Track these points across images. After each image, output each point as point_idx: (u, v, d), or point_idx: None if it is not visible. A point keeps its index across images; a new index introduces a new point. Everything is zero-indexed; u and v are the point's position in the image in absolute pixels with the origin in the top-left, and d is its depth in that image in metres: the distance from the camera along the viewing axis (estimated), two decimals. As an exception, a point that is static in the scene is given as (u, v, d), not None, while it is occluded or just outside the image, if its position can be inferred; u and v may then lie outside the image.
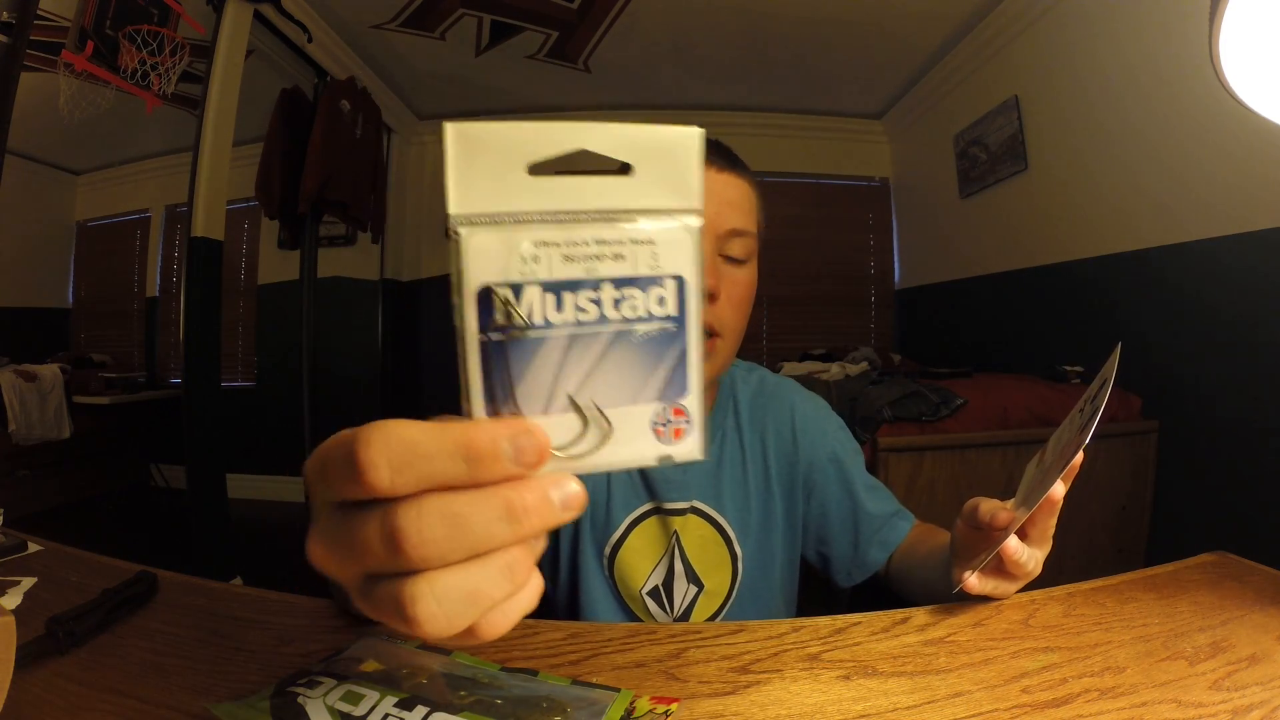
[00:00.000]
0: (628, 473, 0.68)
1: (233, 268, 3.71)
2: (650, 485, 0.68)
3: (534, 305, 0.20)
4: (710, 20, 2.74)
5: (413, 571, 0.19)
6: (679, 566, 0.67)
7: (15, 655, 0.31)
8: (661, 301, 0.21)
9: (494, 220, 0.20)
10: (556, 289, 0.20)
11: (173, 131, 2.70)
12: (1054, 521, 0.47)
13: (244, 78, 2.18)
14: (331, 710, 0.31)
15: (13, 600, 0.48)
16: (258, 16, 2.26)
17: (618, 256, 0.21)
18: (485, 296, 0.20)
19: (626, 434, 0.21)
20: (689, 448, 0.22)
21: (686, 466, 0.67)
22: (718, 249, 0.60)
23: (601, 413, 0.21)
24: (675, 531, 0.67)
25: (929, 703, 0.37)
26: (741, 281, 0.62)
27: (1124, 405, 1.88)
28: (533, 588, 0.21)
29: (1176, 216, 1.87)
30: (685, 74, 3.23)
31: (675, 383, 0.22)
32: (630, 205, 0.21)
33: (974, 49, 2.80)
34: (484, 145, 0.20)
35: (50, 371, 3.02)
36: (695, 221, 0.22)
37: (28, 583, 0.51)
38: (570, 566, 0.68)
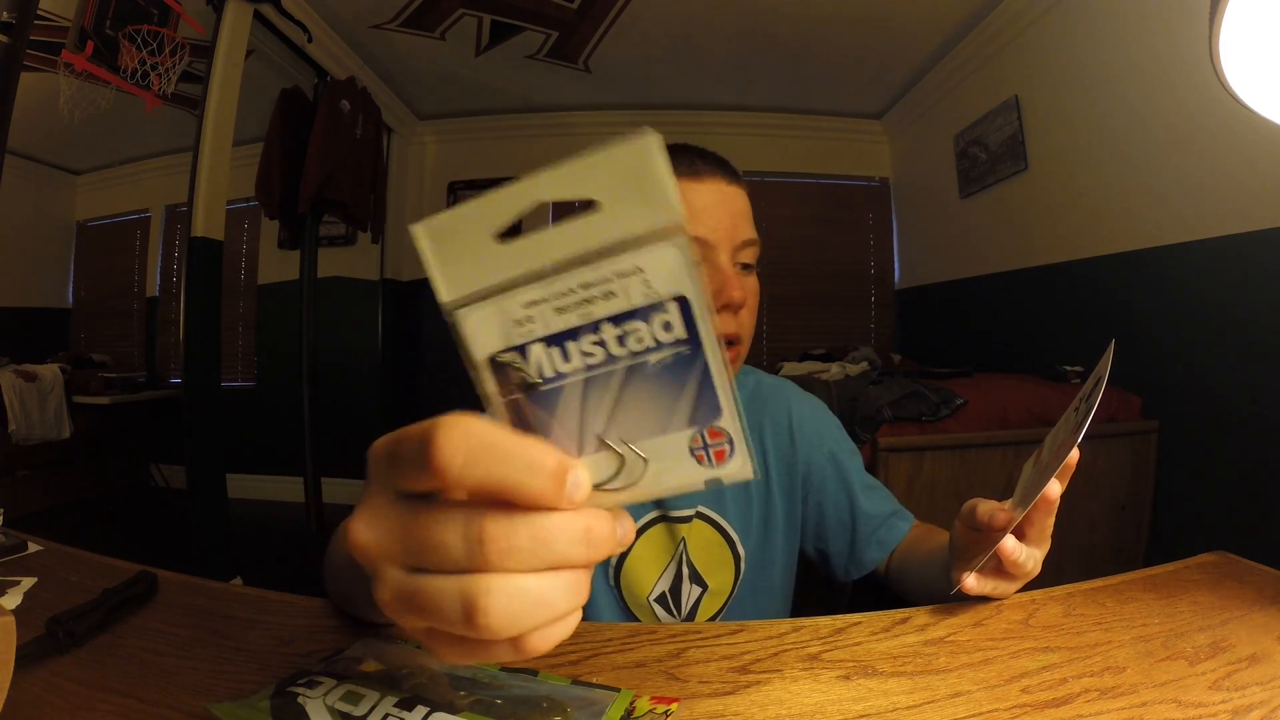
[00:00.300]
0: None
1: (233, 268, 3.71)
2: None
3: (541, 362, 0.21)
4: (710, 20, 2.73)
5: (483, 571, 0.20)
6: (685, 570, 0.68)
7: (15, 655, 0.31)
8: (668, 327, 0.21)
9: (482, 296, 0.21)
10: (558, 341, 0.21)
11: (173, 131, 2.70)
12: (1051, 521, 0.47)
13: (244, 78, 2.18)
14: (331, 710, 0.31)
15: (13, 600, 0.48)
16: (258, 16, 2.26)
17: (609, 295, 0.20)
18: (495, 365, 0.21)
19: (666, 463, 0.22)
20: (736, 468, 0.22)
21: None
22: (735, 259, 0.62)
23: (631, 447, 0.21)
24: (683, 538, 0.68)
25: (929, 703, 0.37)
26: (755, 289, 0.65)
27: (1124, 405, 1.88)
28: (579, 615, 0.22)
29: (1176, 216, 1.86)
30: (685, 74, 3.23)
31: (704, 405, 0.21)
32: (606, 240, 0.20)
33: (974, 49, 2.79)
34: (451, 232, 0.21)
35: (50, 371, 3.02)
36: (681, 234, 0.20)
37: (28, 583, 0.51)
38: None
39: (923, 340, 3.47)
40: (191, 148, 2.08)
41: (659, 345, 0.21)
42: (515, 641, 0.20)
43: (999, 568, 0.47)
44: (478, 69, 3.17)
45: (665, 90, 3.43)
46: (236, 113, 2.16)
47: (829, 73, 3.19)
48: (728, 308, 0.60)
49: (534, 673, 0.39)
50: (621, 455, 0.21)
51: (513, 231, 0.21)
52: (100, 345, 3.96)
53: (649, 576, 0.67)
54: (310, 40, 2.59)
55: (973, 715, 0.36)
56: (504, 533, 0.19)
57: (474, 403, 0.22)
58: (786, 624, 0.47)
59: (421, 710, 0.32)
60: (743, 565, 0.69)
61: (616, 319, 0.21)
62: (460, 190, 3.83)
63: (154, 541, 2.77)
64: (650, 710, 0.35)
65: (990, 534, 0.48)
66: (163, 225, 3.88)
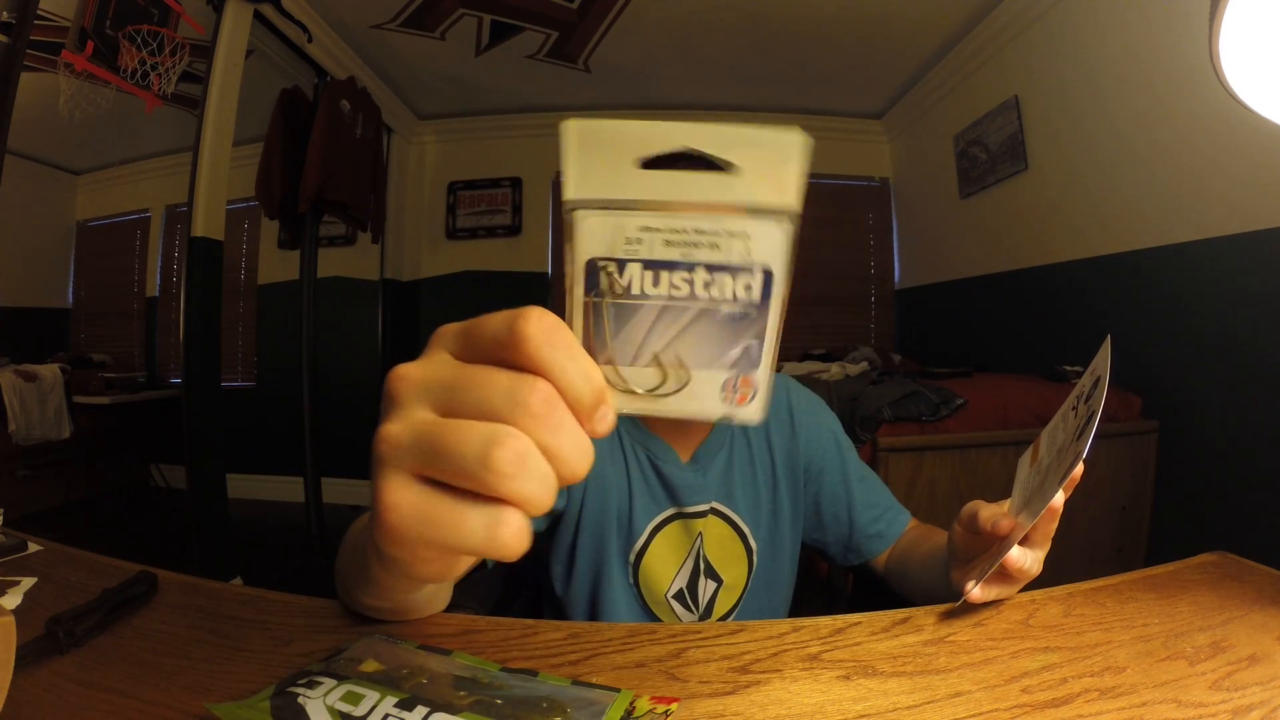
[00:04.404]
0: (646, 482, 0.70)
1: (233, 268, 3.71)
2: (671, 491, 0.70)
3: (634, 278, 0.24)
4: (710, 20, 2.73)
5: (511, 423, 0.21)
6: (701, 566, 0.70)
7: (15, 655, 0.31)
8: (748, 288, 0.24)
9: (605, 206, 0.23)
10: (655, 267, 0.24)
11: (173, 131, 2.70)
12: (1055, 525, 0.47)
13: (244, 78, 2.18)
14: (331, 710, 0.31)
15: (13, 600, 0.48)
16: (258, 16, 2.26)
17: (713, 245, 0.24)
18: (592, 268, 0.24)
19: (698, 391, 0.25)
20: (750, 413, 0.25)
21: (703, 471, 0.70)
22: None
23: (682, 362, 0.24)
24: (700, 533, 0.70)
25: (929, 703, 0.37)
26: None
27: (1124, 405, 1.88)
28: (529, 533, 0.23)
29: (1177, 216, 1.86)
30: (685, 74, 3.23)
31: (748, 357, 0.24)
32: (730, 200, 0.23)
33: (974, 49, 2.79)
34: (598, 140, 0.23)
35: (50, 371, 3.02)
36: (790, 219, 0.24)
37: (28, 583, 0.51)
38: (593, 577, 0.69)
39: (923, 340, 3.47)
40: (191, 148, 2.08)
41: (734, 299, 0.24)
42: (509, 502, 0.21)
43: (1003, 574, 0.47)
44: (478, 69, 3.17)
45: (665, 90, 3.43)
46: (236, 113, 2.16)
47: (829, 73, 3.19)
48: None
49: (534, 673, 0.39)
50: (665, 374, 0.25)
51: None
52: (100, 345, 3.96)
53: (667, 573, 0.69)
54: (310, 40, 2.59)
55: (973, 715, 0.36)
56: (545, 395, 0.21)
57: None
58: (786, 624, 0.47)
59: (421, 710, 0.32)
60: (755, 559, 0.72)
61: (711, 267, 0.24)
62: (460, 190, 3.83)
63: (154, 541, 2.77)
64: (650, 710, 0.35)
65: (992, 540, 0.48)
66: (163, 225, 3.88)
